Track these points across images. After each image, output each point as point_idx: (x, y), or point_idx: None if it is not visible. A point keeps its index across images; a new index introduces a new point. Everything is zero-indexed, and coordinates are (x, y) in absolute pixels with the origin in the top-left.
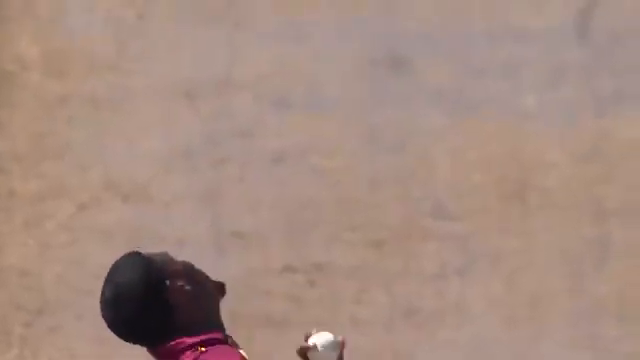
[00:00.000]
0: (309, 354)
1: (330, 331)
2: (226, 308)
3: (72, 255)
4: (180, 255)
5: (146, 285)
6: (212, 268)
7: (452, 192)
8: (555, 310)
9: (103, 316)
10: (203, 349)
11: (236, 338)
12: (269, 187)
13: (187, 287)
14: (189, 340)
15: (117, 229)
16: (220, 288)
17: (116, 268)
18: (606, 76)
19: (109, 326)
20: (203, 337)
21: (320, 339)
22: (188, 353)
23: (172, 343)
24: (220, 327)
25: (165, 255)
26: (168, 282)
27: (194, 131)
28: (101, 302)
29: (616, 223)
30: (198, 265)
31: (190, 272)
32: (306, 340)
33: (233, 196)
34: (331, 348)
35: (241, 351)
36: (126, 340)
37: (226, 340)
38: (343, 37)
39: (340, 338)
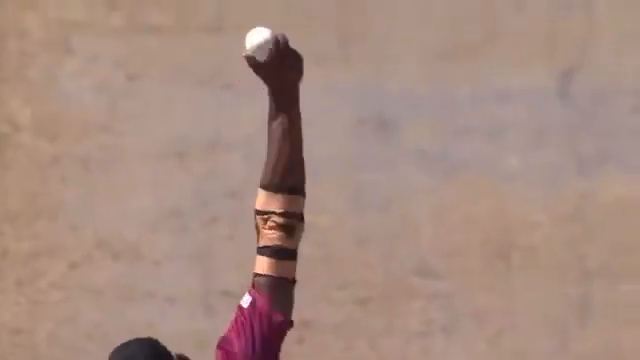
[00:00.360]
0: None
1: None
2: None
3: (64, 313)
4: (170, 312)
5: None
6: (202, 326)
7: (437, 251)
8: None
9: None
10: None
11: None
12: None
13: None
14: None
15: (108, 287)
16: None
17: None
18: (588, 137)
19: None
20: None
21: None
22: None
23: None
24: None
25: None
26: None
27: (184, 191)
28: None
29: (599, 282)
30: (189, 323)
31: None
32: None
33: (223, 255)
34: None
35: None
36: None
37: None
38: (331, 99)
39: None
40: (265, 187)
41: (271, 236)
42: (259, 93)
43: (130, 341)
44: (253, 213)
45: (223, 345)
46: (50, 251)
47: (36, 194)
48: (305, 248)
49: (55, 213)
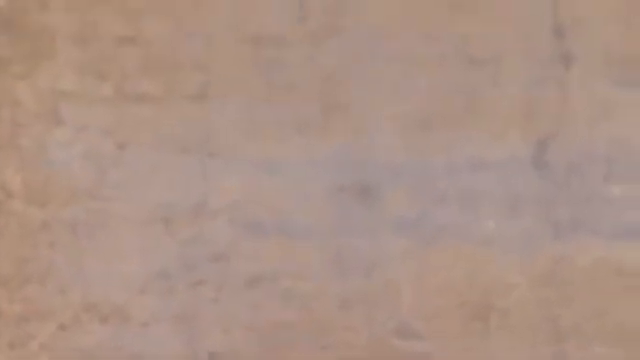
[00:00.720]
0: None
1: None
2: None
3: None
4: None
5: None
6: None
7: (417, 313)
8: None
9: None
10: None
11: None
12: (243, 309)
13: None
14: None
15: (96, 349)
16: None
17: None
18: (563, 204)
19: None
20: None
21: None
22: None
23: None
24: None
25: None
26: None
27: (171, 255)
28: None
29: (572, 343)
30: None
31: None
32: None
33: (208, 317)
34: None
35: None
36: None
37: None
38: (314, 167)
39: None
40: None
41: None
42: (243, 160)
43: None
44: (238, 276)
45: None
46: (40, 314)
47: (26, 259)
48: (289, 312)
49: (45, 277)
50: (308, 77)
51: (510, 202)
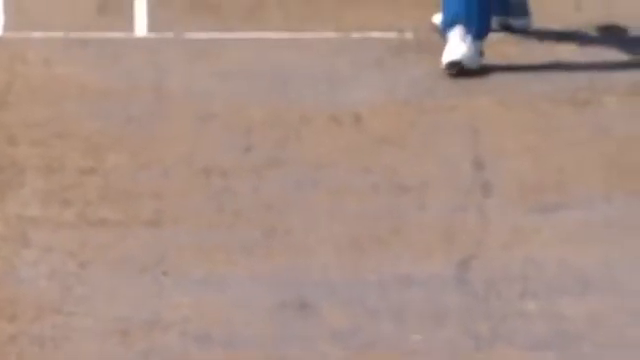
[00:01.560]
0: None
1: None
2: None
3: None
4: None
5: None
6: None
7: None
8: None
9: None
10: None
11: None
12: None
13: None
14: None
15: None
16: None
17: None
18: (483, 319)
19: None
20: None
21: None
22: None
23: None
24: None
25: None
26: None
27: None
28: None
29: None
30: None
31: None
32: None
33: None
34: None
35: None
36: None
37: None
38: (257, 286)
39: None
40: None
41: None
42: (194, 279)
43: None
44: None
45: None
46: None
47: None
48: None
49: None
50: (253, 204)
51: (435, 316)
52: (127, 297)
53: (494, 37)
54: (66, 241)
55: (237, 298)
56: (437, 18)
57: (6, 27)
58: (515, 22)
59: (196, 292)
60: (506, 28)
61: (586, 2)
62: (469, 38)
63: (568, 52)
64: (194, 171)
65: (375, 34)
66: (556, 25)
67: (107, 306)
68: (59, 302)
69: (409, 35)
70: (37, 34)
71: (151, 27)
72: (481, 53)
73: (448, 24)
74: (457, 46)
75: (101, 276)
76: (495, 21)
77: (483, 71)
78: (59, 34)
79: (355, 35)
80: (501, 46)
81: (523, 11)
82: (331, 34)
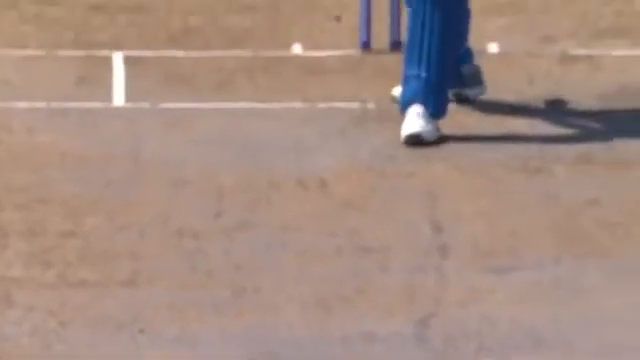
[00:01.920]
0: None
1: None
2: None
3: None
4: None
5: None
6: None
7: None
8: None
9: None
10: None
11: None
12: None
13: None
14: None
15: None
16: None
17: None
18: None
19: None
20: None
21: None
22: None
23: None
24: None
25: None
26: None
27: None
28: None
29: None
30: None
31: None
32: None
33: None
34: None
35: None
36: None
37: None
38: (227, 341)
39: None
40: None
41: None
42: (168, 338)
43: None
44: None
45: None
46: None
47: None
48: None
49: None
50: (224, 265)
51: None
52: (105, 355)
53: (451, 108)
54: (47, 301)
55: (209, 355)
56: (397, 90)
57: None
58: (470, 92)
59: (170, 349)
60: (461, 99)
61: (538, 77)
62: (427, 116)
63: (520, 123)
64: (168, 233)
65: (339, 104)
66: (510, 97)
67: None
68: (40, 359)
69: (371, 105)
70: (21, 104)
71: (128, 97)
72: (437, 129)
73: (406, 102)
74: (415, 122)
75: (80, 334)
76: (450, 93)
77: (440, 140)
78: (42, 104)
79: (321, 105)
80: (457, 116)
81: (477, 80)
82: (298, 104)
